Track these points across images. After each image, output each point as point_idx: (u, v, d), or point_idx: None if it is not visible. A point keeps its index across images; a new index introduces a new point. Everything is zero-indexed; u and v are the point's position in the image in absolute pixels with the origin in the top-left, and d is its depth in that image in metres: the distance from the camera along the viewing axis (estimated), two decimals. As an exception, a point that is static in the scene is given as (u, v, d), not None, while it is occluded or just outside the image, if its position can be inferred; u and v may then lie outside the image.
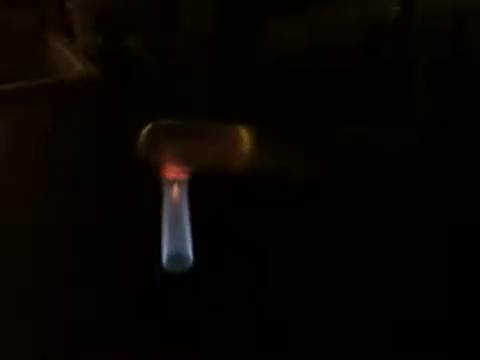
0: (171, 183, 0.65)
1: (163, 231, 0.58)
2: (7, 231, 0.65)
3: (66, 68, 1.00)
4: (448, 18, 0.89)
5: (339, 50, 0.89)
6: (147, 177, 0.66)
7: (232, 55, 0.91)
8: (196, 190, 0.66)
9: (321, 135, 0.72)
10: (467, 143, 0.74)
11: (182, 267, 0.56)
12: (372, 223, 0.63)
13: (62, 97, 0.88)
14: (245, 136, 0.68)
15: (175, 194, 0.64)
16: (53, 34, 1.08)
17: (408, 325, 0.50)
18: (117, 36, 0.98)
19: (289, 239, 0.62)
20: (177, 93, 0.90)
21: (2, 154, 0.76)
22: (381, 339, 0.49)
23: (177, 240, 0.57)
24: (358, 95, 0.83)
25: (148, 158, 0.68)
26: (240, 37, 0.92)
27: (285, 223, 0.64)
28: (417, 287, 0.54)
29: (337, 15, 0.91)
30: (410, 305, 0.53)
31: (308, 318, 0.52)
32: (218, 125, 0.70)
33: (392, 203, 0.66)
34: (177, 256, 0.56)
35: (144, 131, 0.68)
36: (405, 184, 0.68)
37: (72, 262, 0.62)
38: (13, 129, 0.81)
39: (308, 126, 0.76)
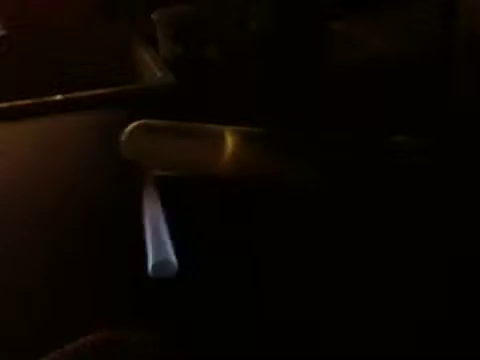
0: (153, 185, 0.66)
1: (146, 236, 0.58)
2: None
3: (148, 76, 1.07)
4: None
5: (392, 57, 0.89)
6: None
7: (295, 59, 0.93)
8: (183, 194, 0.66)
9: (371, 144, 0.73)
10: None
11: (168, 273, 0.55)
12: (369, 228, 0.63)
13: (142, 102, 0.94)
14: (231, 137, 0.68)
15: (156, 197, 0.64)
16: (139, 43, 1.16)
17: (408, 326, 0.51)
18: (195, 46, 1.04)
19: (279, 243, 0.61)
20: (247, 98, 0.92)
21: (81, 153, 0.81)
22: (381, 340, 0.50)
23: (161, 246, 0.57)
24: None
25: (130, 158, 0.69)
26: (302, 42, 0.93)
27: (275, 227, 0.63)
28: (417, 291, 0.55)
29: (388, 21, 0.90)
30: (409, 306, 0.53)
31: (302, 323, 0.51)
32: (203, 126, 0.70)
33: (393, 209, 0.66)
34: (162, 262, 0.55)
35: (127, 130, 0.69)
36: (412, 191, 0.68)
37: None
38: (92, 132, 0.87)
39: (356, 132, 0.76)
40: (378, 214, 0.64)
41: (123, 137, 0.69)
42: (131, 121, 0.73)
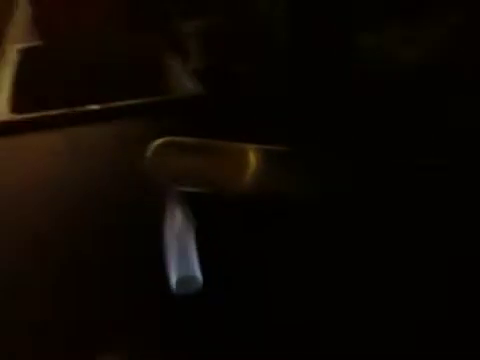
0: (178, 200, 0.66)
1: (169, 253, 0.59)
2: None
3: (178, 87, 1.10)
4: None
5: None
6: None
7: (322, 73, 0.94)
8: (207, 210, 0.66)
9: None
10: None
11: (192, 289, 0.55)
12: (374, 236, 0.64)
13: (172, 113, 0.97)
14: (252, 156, 0.68)
15: (181, 214, 0.64)
16: (171, 55, 1.18)
17: (408, 328, 0.51)
18: (225, 57, 1.06)
19: (297, 256, 0.62)
20: (274, 111, 0.93)
21: (110, 162, 0.83)
22: (382, 341, 0.51)
23: (185, 262, 0.57)
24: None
25: (154, 173, 0.69)
26: (329, 54, 0.94)
27: (293, 241, 0.64)
28: (418, 293, 0.56)
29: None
30: (412, 310, 0.54)
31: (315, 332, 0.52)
32: (227, 143, 0.70)
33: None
34: (186, 278, 0.55)
35: (152, 146, 0.68)
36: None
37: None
38: (120, 140, 0.89)
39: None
40: (393, 229, 0.65)
41: (148, 153, 0.69)
42: (161, 132, 0.74)
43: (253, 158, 0.69)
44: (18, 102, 1.02)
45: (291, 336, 0.51)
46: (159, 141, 0.70)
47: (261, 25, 1.02)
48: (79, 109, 0.96)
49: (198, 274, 0.56)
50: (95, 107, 0.97)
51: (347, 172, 0.72)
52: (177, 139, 0.70)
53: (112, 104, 0.98)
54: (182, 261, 0.57)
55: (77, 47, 1.27)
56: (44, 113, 0.96)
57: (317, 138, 0.82)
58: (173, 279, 0.56)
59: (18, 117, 0.96)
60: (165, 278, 0.57)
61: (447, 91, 0.87)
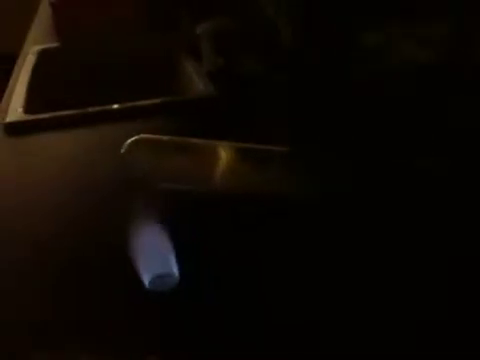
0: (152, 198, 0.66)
1: (141, 251, 0.59)
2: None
3: (190, 87, 1.11)
4: None
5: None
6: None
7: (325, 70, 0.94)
8: (182, 207, 0.67)
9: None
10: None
11: (166, 286, 0.56)
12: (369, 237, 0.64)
13: (184, 113, 0.98)
14: (226, 153, 0.69)
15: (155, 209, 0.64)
16: (183, 56, 1.20)
17: (408, 327, 0.52)
18: (236, 58, 1.07)
19: (281, 256, 0.62)
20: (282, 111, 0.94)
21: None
22: (384, 340, 0.51)
23: (159, 259, 0.58)
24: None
25: (129, 170, 0.69)
26: (332, 53, 0.94)
27: (276, 239, 0.64)
28: (418, 293, 0.56)
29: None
30: (411, 310, 0.54)
31: (306, 327, 0.52)
32: (200, 142, 0.71)
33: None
34: (160, 276, 0.56)
35: (126, 143, 0.69)
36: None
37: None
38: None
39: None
40: (386, 227, 0.66)
41: (122, 150, 0.70)
42: (174, 132, 0.75)
43: (225, 155, 0.69)
44: (32, 103, 1.04)
45: (287, 335, 0.52)
46: (133, 139, 0.70)
47: (268, 27, 1.03)
48: (92, 110, 0.99)
49: (172, 271, 0.57)
50: (117, 107, 0.99)
51: (347, 172, 0.72)
52: (151, 137, 0.71)
53: (124, 105, 1.00)
54: (155, 260, 0.57)
55: (93, 49, 1.29)
56: (58, 113, 0.98)
57: (318, 138, 0.83)
58: (146, 278, 0.56)
59: (32, 117, 0.98)
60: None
61: (447, 91, 0.86)
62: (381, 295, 0.56)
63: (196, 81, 1.09)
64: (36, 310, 0.57)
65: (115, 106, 1.00)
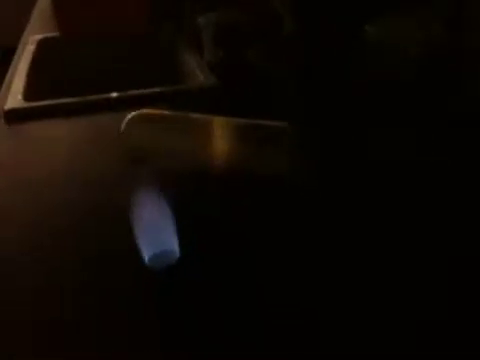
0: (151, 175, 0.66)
1: (142, 227, 0.59)
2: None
3: (190, 77, 1.11)
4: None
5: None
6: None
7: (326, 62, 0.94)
8: (181, 186, 0.67)
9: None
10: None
11: (166, 262, 0.56)
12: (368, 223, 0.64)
13: (184, 102, 0.98)
14: (222, 128, 0.69)
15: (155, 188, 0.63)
16: (185, 47, 1.19)
17: (408, 327, 0.51)
18: (237, 49, 1.07)
19: (278, 238, 0.62)
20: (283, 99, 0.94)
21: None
22: (381, 339, 0.51)
23: (158, 237, 0.57)
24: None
25: (129, 146, 0.69)
26: (333, 44, 0.94)
27: (274, 221, 0.64)
28: (418, 291, 0.56)
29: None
30: (410, 306, 0.54)
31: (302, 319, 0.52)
32: (199, 116, 0.71)
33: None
34: (160, 253, 0.56)
35: (126, 119, 0.69)
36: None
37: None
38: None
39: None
40: (378, 212, 0.65)
41: (122, 126, 0.70)
42: None
43: (221, 129, 0.69)
44: (32, 90, 1.04)
45: (287, 335, 0.51)
46: (133, 113, 0.70)
47: (272, 18, 1.03)
48: (91, 98, 0.98)
49: (171, 249, 0.56)
50: (116, 95, 0.98)
51: (344, 155, 0.72)
52: (150, 111, 0.71)
53: (132, 92, 0.99)
54: (154, 237, 0.57)
55: (94, 39, 1.29)
56: (57, 101, 0.98)
57: (318, 123, 0.83)
58: (146, 255, 0.56)
59: (31, 105, 0.98)
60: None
61: (447, 90, 0.86)
62: (381, 294, 0.55)
63: (197, 71, 1.09)
64: (36, 310, 0.57)
65: (114, 94, 0.99)
